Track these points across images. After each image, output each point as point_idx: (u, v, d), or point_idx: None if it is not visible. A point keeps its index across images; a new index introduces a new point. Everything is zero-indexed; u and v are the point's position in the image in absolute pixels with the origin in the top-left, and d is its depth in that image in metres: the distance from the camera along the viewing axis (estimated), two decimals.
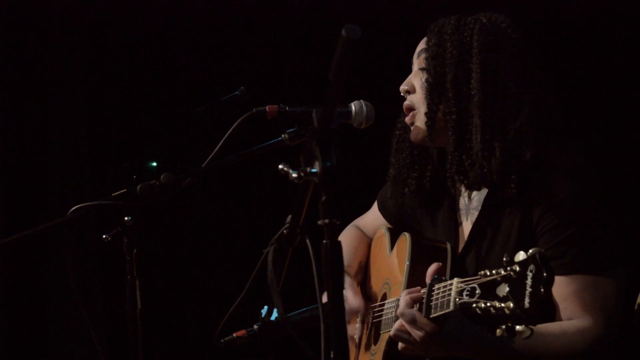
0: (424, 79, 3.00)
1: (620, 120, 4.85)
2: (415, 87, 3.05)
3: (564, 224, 2.82)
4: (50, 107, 5.21)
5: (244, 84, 3.23)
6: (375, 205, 3.47)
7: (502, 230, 2.92)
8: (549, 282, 2.28)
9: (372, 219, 3.47)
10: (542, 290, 2.26)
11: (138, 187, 2.89)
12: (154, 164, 5.10)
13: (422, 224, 3.20)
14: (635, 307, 3.19)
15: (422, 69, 3.03)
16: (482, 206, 2.98)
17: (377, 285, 3.25)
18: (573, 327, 2.79)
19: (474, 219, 3.00)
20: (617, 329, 2.83)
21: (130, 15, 5.28)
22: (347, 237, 3.44)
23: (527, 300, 2.28)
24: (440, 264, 2.82)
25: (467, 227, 3.04)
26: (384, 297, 3.14)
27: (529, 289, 2.28)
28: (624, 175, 4.76)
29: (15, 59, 5.21)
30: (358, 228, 3.50)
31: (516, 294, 2.30)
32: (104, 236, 2.96)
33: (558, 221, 2.83)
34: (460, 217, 3.08)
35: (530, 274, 2.29)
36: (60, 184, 5.17)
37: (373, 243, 3.41)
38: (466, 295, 2.43)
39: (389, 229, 3.27)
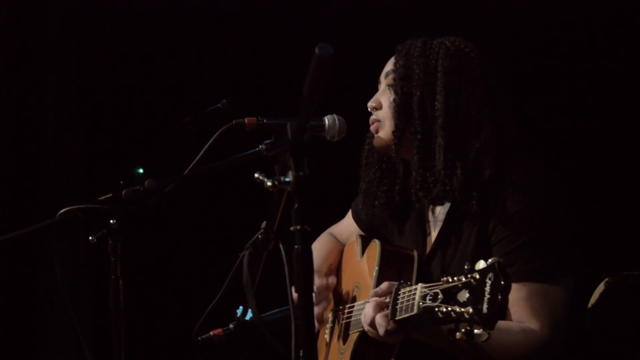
0: (391, 98, 3.12)
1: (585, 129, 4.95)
2: (382, 104, 3.16)
3: (515, 235, 2.93)
4: (44, 114, 5.23)
5: (226, 97, 3.33)
6: (349, 214, 3.59)
7: (462, 240, 3.04)
8: (506, 290, 2.35)
9: (346, 226, 3.59)
10: (499, 297, 2.34)
11: (123, 192, 2.97)
12: (141, 170, 5.22)
13: (392, 233, 3.32)
14: (588, 309, 3.33)
15: (389, 88, 3.14)
16: (445, 218, 3.10)
17: (348, 288, 3.35)
18: (518, 327, 2.87)
19: (439, 230, 3.13)
20: (562, 336, 2.91)
21: (122, 29, 5.34)
22: (321, 243, 3.56)
23: (485, 306, 2.36)
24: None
25: (434, 237, 3.15)
26: (354, 300, 3.24)
27: (487, 295, 2.36)
28: (588, 185, 4.87)
29: (10, 65, 5.22)
30: (332, 235, 3.62)
31: (475, 299, 2.38)
32: (90, 238, 3.04)
33: (509, 232, 2.93)
34: (429, 228, 3.19)
35: (489, 282, 2.37)
36: (53, 188, 5.21)
37: (345, 249, 3.51)
38: (429, 299, 2.51)
39: (361, 236, 3.38)
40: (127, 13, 5.33)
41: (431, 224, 3.19)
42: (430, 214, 3.20)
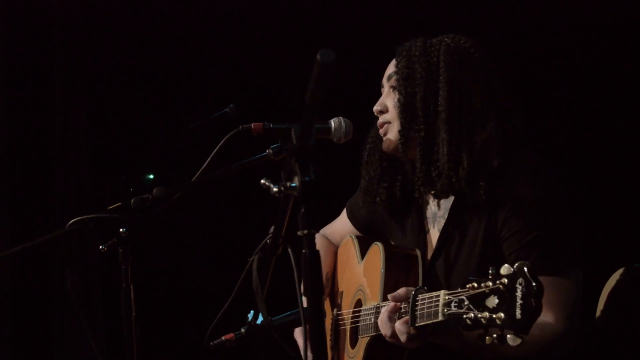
0: (396, 99, 3.13)
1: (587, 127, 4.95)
2: (388, 106, 3.18)
3: (527, 229, 2.93)
4: (52, 125, 5.27)
5: (233, 101, 3.38)
6: (343, 213, 3.58)
7: (468, 236, 3.04)
8: (539, 294, 2.33)
9: (340, 226, 3.58)
10: (532, 302, 2.32)
11: (132, 200, 2.96)
12: (151, 176, 5.25)
13: (391, 231, 3.31)
14: (599, 306, 3.33)
15: (393, 89, 3.16)
16: (449, 213, 3.10)
17: (349, 291, 3.34)
18: None
19: (441, 227, 3.12)
20: (577, 326, 2.92)
21: (128, 35, 5.39)
22: None
23: (518, 311, 2.34)
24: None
25: (434, 234, 3.15)
26: (359, 303, 3.24)
27: (519, 301, 2.34)
28: (590, 179, 4.87)
29: (17, 73, 5.25)
30: (325, 237, 3.61)
31: (506, 305, 2.36)
32: (100, 247, 3.07)
33: (521, 226, 2.94)
34: (427, 225, 3.19)
35: (519, 287, 2.34)
36: (63, 197, 5.24)
37: (339, 250, 3.50)
38: (454, 306, 2.50)
39: (357, 237, 3.37)
40: (133, 19, 5.36)
41: (429, 220, 3.19)
42: (429, 210, 3.20)
